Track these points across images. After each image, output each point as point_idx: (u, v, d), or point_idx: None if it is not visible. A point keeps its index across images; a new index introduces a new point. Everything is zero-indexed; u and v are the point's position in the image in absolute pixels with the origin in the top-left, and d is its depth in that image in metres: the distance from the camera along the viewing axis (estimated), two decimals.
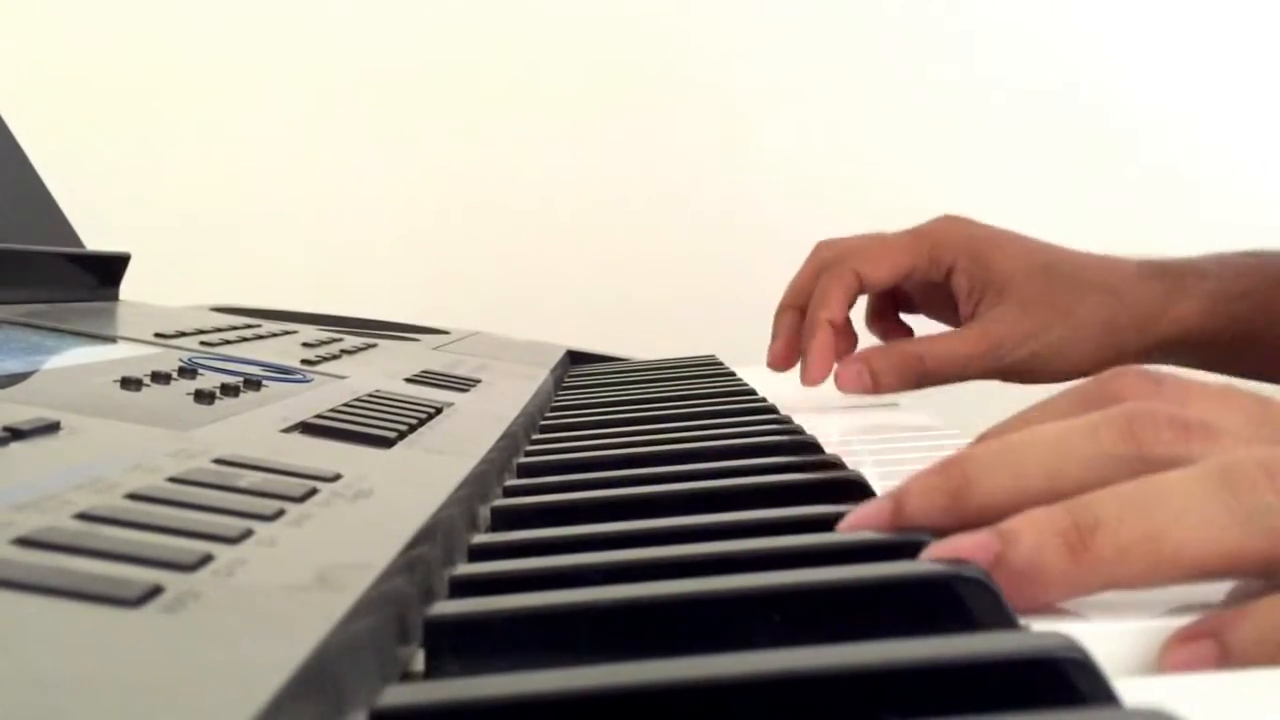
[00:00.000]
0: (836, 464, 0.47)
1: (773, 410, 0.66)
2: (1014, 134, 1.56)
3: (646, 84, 1.55)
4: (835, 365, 0.79)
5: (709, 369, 0.93)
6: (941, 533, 0.32)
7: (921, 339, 0.84)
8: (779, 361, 0.83)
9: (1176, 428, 0.33)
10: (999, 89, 1.57)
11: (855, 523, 0.34)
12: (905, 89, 1.57)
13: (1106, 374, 0.38)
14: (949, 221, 0.84)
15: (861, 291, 0.81)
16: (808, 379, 0.79)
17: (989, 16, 1.57)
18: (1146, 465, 0.32)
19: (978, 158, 1.56)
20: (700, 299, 1.52)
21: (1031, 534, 0.30)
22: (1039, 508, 0.31)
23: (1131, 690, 0.23)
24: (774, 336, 0.84)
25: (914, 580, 0.29)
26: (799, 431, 0.57)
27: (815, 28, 1.56)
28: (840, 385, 0.79)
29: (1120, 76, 1.57)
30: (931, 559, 0.30)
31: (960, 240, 0.83)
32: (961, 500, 0.33)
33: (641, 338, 1.25)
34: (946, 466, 0.34)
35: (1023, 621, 0.28)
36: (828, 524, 0.36)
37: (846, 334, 0.82)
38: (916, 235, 0.83)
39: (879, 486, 0.40)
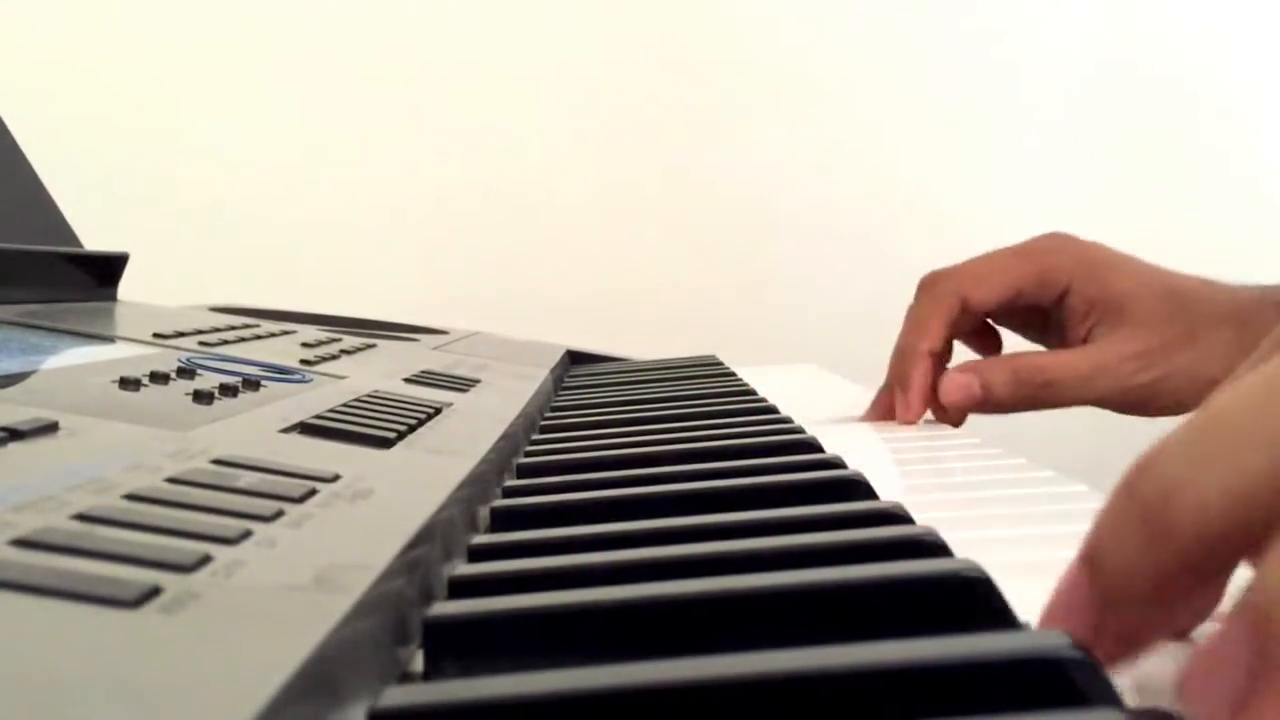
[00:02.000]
0: (837, 464, 0.47)
1: (773, 410, 0.66)
2: (1028, 130, 1.56)
3: (648, 84, 1.55)
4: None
5: (709, 369, 0.93)
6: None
7: (1039, 353, 0.77)
8: (917, 417, 0.73)
9: None
10: (1006, 80, 1.57)
11: (1050, 614, 0.25)
12: (913, 87, 1.57)
13: None
14: (1059, 239, 0.78)
15: (965, 315, 0.75)
16: (908, 415, 0.71)
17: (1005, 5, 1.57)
18: None
19: (986, 153, 1.56)
20: (700, 299, 1.52)
21: (1112, 542, 0.24)
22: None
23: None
24: (906, 389, 0.74)
25: (915, 580, 0.29)
26: (799, 431, 0.57)
27: (816, 26, 1.56)
28: (944, 397, 0.72)
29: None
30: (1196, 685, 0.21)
31: (1074, 259, 0.76)
32: (1165, 524, 0.23)
33: (641, 338, 1.25)
34: (1129, 486, 0.24)
35: (1024, 620, 0.28)
36: (828, 524, 0.36)
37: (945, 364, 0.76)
38: (1024, 254, 0.77)
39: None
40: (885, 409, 0.75)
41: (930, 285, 0.76)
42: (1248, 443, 0.23)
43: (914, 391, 0.71)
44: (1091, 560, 0.24)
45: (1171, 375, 0.75)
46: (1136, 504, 0.23)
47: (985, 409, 0.73)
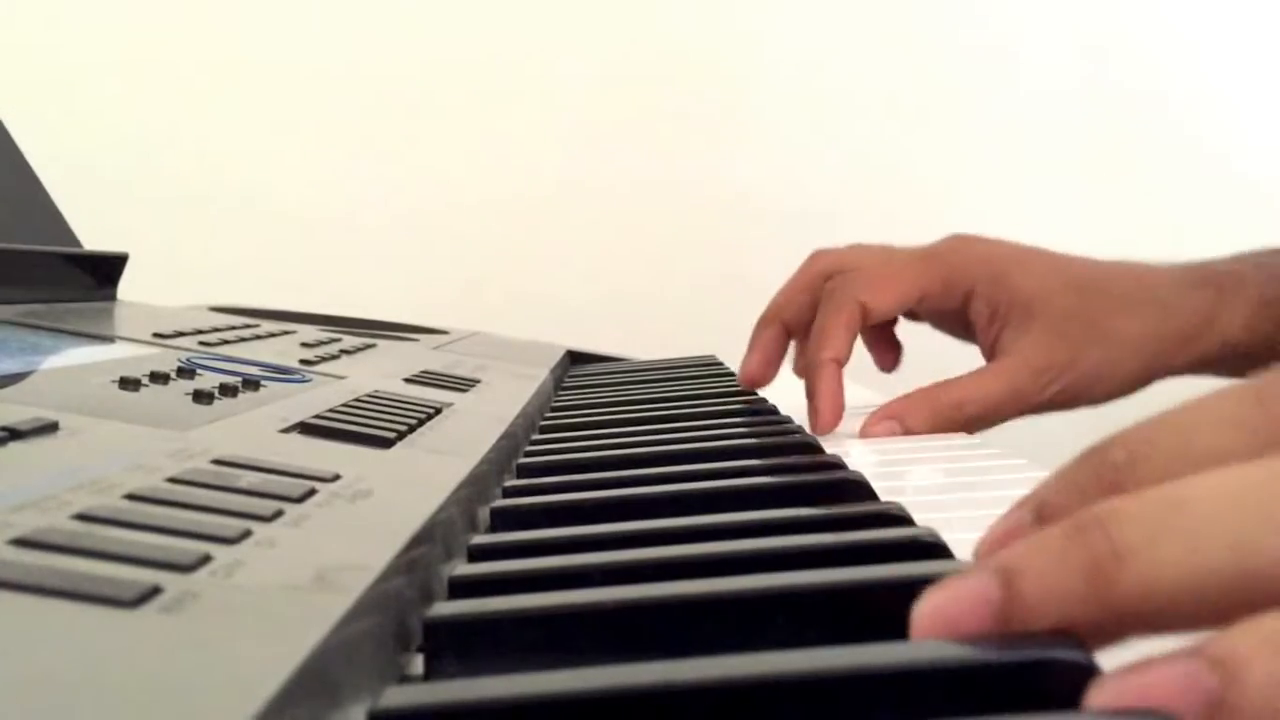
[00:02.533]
0: (837, 464, 0.47)
1: (773, 410, 0.66)
2: (1022, 127, 1.56)
3: (648, 85, 1.55)
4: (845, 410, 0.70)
5: (709, 369, 0.93)
6: (1076, 629, 0.23)
7: (951, 383, 0.73)
8: (754, 377, 0.76)
9: None
10: (1009, 82, 1.57)
11: (947, 613, 0.24)
12: (913, 89, 1.57)
13: (1271, 377, 0.26)
14: (961, 241, 0.76)
15: (865, 323, 0.73)
16: (820, 426, 0.69)
17: (995, 8, 1.57)
18: None
19: (985, 154, 1.56)
20: (701, 299, 1.52)
21: (1263, 655, 0.20)
22: (1259, 615, 0.21)
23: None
24: (751, 349, 0.76)
25: (915, 581, 0.29)
26: (799, 431, 0.57)
27: (818, 26, 1.56)
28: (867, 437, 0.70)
29: (1143, 68, 1.57)
30: (1111, 711, 0.20)
31: (976, 262, 0.75)
32: (1108, 582, 0.23)
33: (641, 338, 1.25)
34: (1082, 527, 0.23)
35: None
36: (828, 524, 0.36)
37: (890, 357, 0.77)
38: (926, 258, 0.75)
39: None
40: (753, 373, 0.76)
41: (828, 279, 0.73)
42: (1214, 535, 0.22)
43: (825, 402, 0.69)
44: (1010, 579, 0.23)
45: (1089, 373, 0.74)
46: (1087, 551, 0.23)
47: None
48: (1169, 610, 0.22)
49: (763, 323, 0.77)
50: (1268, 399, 0.26)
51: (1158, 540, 0.22)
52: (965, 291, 0.75)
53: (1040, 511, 0.27)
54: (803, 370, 0.74)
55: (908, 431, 0.69)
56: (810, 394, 0.70)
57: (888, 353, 0.81)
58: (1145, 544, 0.22)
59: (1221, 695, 0.20)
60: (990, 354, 0.76)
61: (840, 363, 0.70)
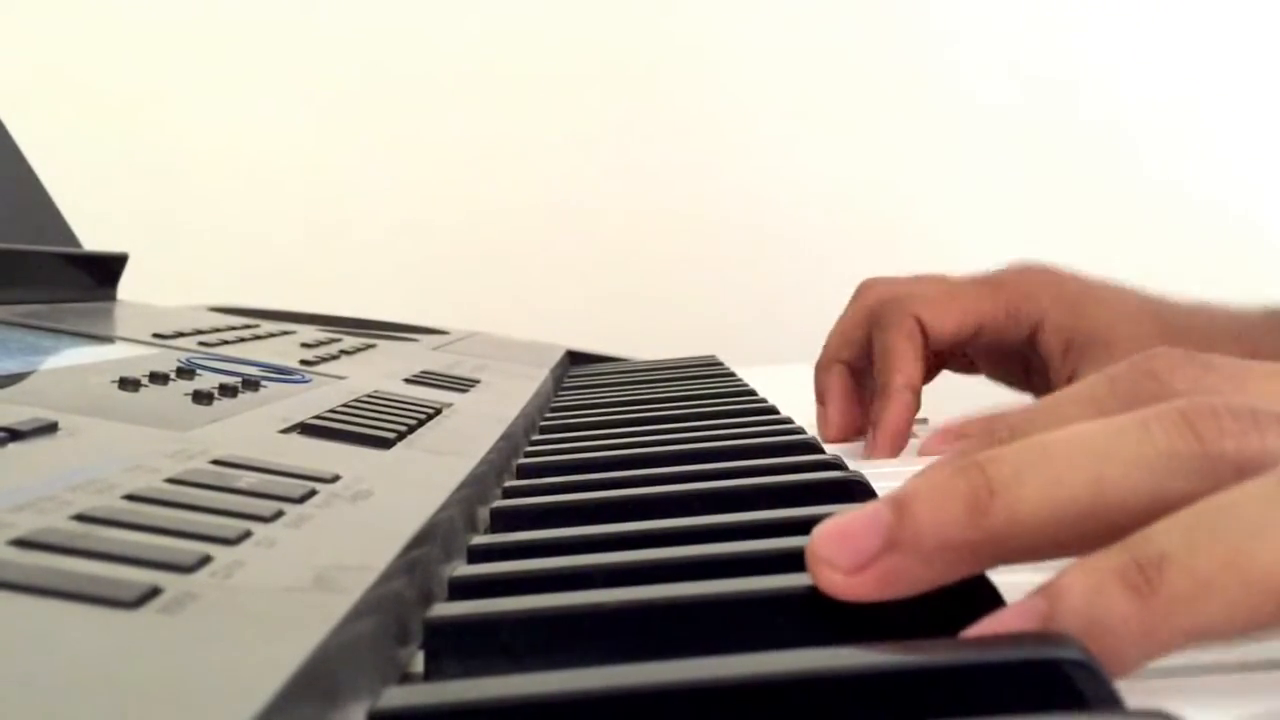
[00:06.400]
0: (837, 464, 0.47)
1: (773, 410, 0.66)
2: (1026, 132, 1.56)
3: (647, 85, 1.55)
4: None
5: (709, 369, 0.93)
6: (953, 551, 0.27)
7: (1019, 411, 0.70)
8: (842, 432, 0.67)
9: (1242, 418, 0.27)
10: (1000, 92, 1.57)
11: (845, 530, 0.27)
12: (904, 91, 1.57)
13: (1141, 356, 0.33)
14: (1028, 269, 0.70)
15: (928, 346, 0.66)
16: (881, 452, 0.62)
17: (990, 20, 1.57)
18: (1210, 465, 0.27)
19: (978, 160, 1.56)
20: (700, 299, 1.52)
21: (1084, 581, 0.25)
22: (1090, 555, 0.26)
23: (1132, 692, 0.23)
24: (823, 400, 0.68)
25: None
26: (799, 431, 0.57)
27: (817, 27, 1.56)
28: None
29: (1117, 85, 1.57)
30: (976, 637, 0.25)
31: (1046, 290, 0.68)
32: (983, 510, 0.27)
33: (641, 338, 1.25)
34: (965, 468, 0.28)
35: None
36: None
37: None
38: (989, 284, 0.69)
39: None
40: (837, 428, 0.67)
41: (885, 307, 0.67)
42: (1071, 471, 0.27)
43: (885, 436, 0.62)
44: (902, 506, 0.27)
45: None
46: (967, 485, 0.27)
47: None
48: (1036, 536, 0.27)
49: (823, 368, 0.69)
50: (1116, 380, 0.33)
51: (1023, 477, 0.27)
52: (1035, 322, 0.68)
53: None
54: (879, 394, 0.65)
55: None
56: (878, 421, 0.63)
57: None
58: (1013, 480, 0.27)
59: (1050, 614, 0.25)
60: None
61: (915, 390, 0.64)
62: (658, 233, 1.55)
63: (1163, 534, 0.25)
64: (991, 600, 0.28)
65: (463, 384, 0.70)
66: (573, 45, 1.56)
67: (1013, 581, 0.28)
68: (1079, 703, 0.23)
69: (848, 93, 1.57)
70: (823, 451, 0.52)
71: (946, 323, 0.66)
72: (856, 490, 0.42)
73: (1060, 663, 0.23)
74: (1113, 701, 0.23)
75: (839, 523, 0.28)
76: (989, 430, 0.32)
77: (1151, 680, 0.25)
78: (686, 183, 1.55)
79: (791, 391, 0.76)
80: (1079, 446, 0.27)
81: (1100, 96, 1.56)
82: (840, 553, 0.27)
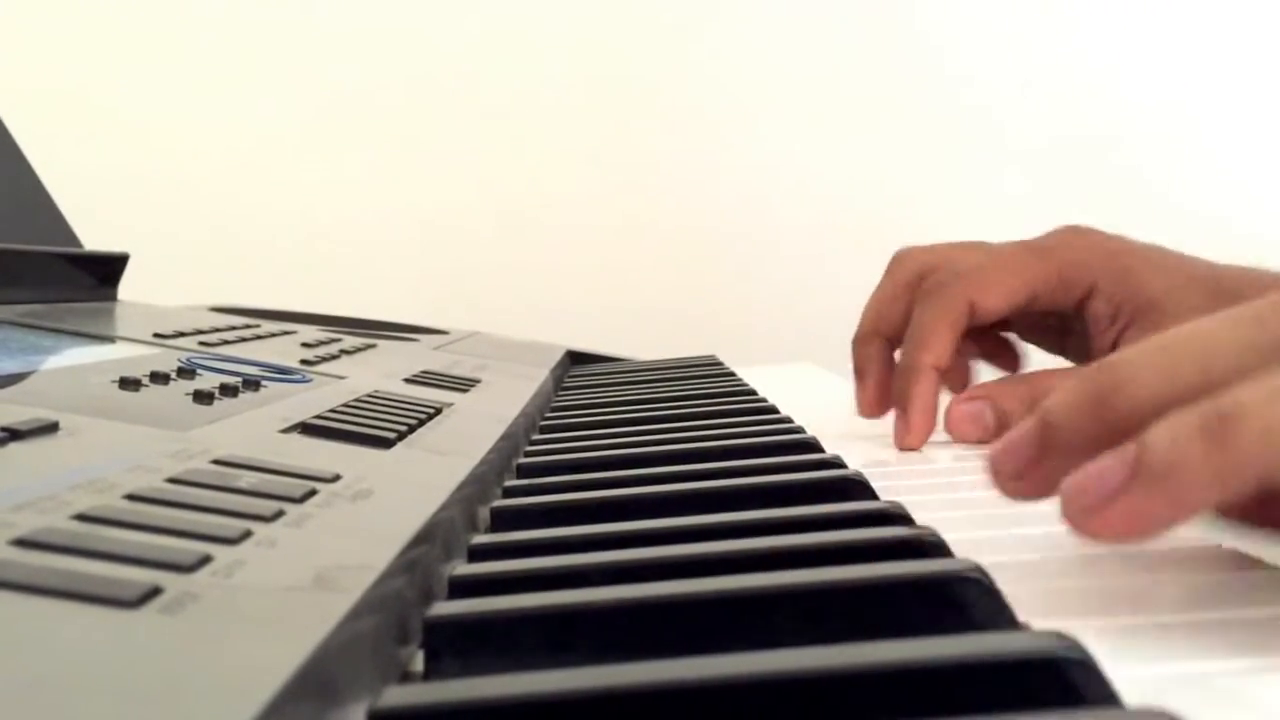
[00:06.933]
0: (837, 463, 0.47)
1: (773, 410, 0.66)
2: (1010, 137, 1.56)
3: (646, 86, 1.55)
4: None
5: (709, 369, 0.93)
6: (1089, 442, 0.30)
7: (1061, 371, 0.66)
8: (873, 408, 0.66)
9: None
10: (1000, 93, 1.57)
11: (1007, 449, 0.33)
12: (903, 92, 1.57)
13: (1260, 304, 0.34)
14: (1076, 234, 0.68)
15: (972, 324, 0.64)
16: (908, 440, 0.61)
17: (990, 21, 1.57)
18: None
19: (978, 161, 1.56)
20: (700, 299, 1.52)
21: (1169, 431, 0.28)
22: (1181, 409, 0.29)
23: (1130, 687, 0.23)
24: (859, 374, 0.67)
25: (914, 580, 0.29)
26: (799, 431, 0.57)
27: (817, 28, 1.56)
28: (953, 429, 0.61)
29: (1117, 86, 1.57)
30: (1073, 489, 0.29)
31: (1097, 256, 0.66)
32: (1108, 404, 0.31)
33: (641, 338, 1.25)
34: (1095, 371, 0.32)
35: (1023, 620, 0.28)
36: (828, 523, 0.36)
37: (958, 375, 0.66)
38: (1039, 252, 0.66)
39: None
40: (871, 404, 0.66)
41: (927, 280, 0.65)
42: (1183, 360, 0.31)
43: (918, 415, 0.61)
44: (1046, 420, 0.32)
45: None
46: (1093, 387, 0.31)
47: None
48: (1152, 407, 0.29)
49: (861, 341, 0.67)
50: (1267, 319, 0.33)
51: (1140, 369, 0.31)
52: (1085, 288, 0.66)
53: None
54: (897, 375, 0.64)
55: (1000, 418, 0.60)
56: (901, 402, 0.61)
57: (1004, 354, 0.72)
58: (1133, 375, 0.31)
59: (1138, 457, 0.28)
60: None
61: (941, 369, 0.62)
62: (658, 233, 1.55)
63: (1245, 390, 0.28)
64: (991, 597, 0.28)
65: (463, 384, 0.70)
66: (573, 45, 1.56)
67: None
68: (1078, 701, 0.23)
69: (848, 94, 1.57)
70: (822, 451, 0.52)
71: (998, 299, 0.64)
72: (855, 489, 0.42)
73: (1059, 660, 0.23)
74: (1112, 699, 0.23)
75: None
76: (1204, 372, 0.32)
77: (1154, 668, 0.25)
78: (687, 183, 1.55)
79: (791, 391, 0.76)
80: (1188, 341, 0.31)
81: (1100, 97, 1.56)
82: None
